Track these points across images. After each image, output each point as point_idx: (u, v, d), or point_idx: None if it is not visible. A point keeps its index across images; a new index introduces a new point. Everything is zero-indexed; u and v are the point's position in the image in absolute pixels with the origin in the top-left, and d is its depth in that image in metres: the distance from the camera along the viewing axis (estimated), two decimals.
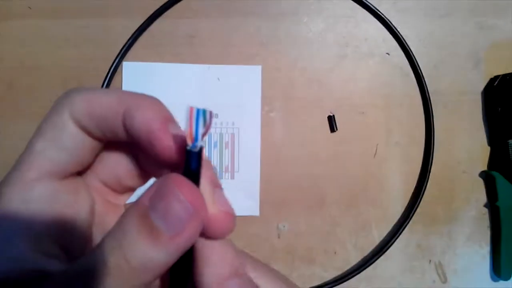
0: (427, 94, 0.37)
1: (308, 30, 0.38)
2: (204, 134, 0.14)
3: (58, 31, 0.37)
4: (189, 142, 0.14)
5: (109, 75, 0.37)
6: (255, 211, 0.37)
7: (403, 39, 0.37)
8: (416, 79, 0.38)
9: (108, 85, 0.37)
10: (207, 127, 0.14)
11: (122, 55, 0.37)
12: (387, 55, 0.38)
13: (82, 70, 0.37)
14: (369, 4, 0.37)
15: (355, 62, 0.38)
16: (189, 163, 0.14)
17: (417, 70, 0.38)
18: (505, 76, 0.37)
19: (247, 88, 0.38)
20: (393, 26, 0.38)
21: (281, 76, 0.38)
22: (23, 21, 0.37)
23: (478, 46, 0.39)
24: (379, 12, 0.38)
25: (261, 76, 0.38)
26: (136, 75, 0.37)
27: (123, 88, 0.37)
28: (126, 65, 0.37)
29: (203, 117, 0.14)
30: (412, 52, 0.38)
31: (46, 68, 0.37)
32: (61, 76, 0.37)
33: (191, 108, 0.14)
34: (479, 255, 0.38)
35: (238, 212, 0.36)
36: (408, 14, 0.38)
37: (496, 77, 0.38)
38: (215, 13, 0.37)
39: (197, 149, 0.14)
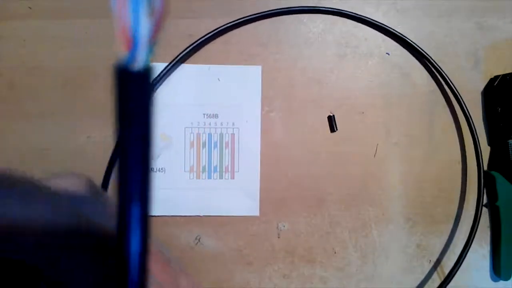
0: (458, 95, 0.37)
1: (308, 30, 0.38)
2: (154, 33, 0.07)
3: (59, 31, 0.37)
4: (125, 49, 0.08)
5: (161, 75, 0.36)
6: (255, 211, 0.37)
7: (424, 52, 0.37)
8: (444, 81, 0.37)
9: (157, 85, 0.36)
10: (157, 15, 0.07)
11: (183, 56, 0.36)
12: (387, 55, 0.38)
13: (83, 70, 0.37)
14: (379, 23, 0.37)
15: (354, 62, 0.38)
16: (124, 98, 0.08)
17: (444, 76, 0.37)
18: (505, 76, 0.37)
19: (247, 88, 0.38)
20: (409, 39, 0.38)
21: (281, 76, 0.38)
22: (24, 21, 0.37)
23: (478, 46, 0.39)
24: (398, 33, 0.37)
25: (261, 76, 0.38)
26: None
27: None
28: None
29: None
30: (439, 67, 0.37)
31: (47, 68, 0.37)
32: (62, 77, 0.37)
33: None
34: (479, 255, 0.38)
35: (238, 212, 0.37)
36: (408, 14, 0.38)
37: (496, 77, 0.38)
38: (215, 13, 0.37)
39: (138, 67, 0.07)
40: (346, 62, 0.38)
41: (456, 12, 0.39)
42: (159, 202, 0.36)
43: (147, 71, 0.08)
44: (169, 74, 0.37)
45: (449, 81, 0.37)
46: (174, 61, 0.36)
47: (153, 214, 0.37)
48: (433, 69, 0.38)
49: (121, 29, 0.07)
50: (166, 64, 0.37)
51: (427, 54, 0.37)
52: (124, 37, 0.07)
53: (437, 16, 0.39)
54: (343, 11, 0.37)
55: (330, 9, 0.37)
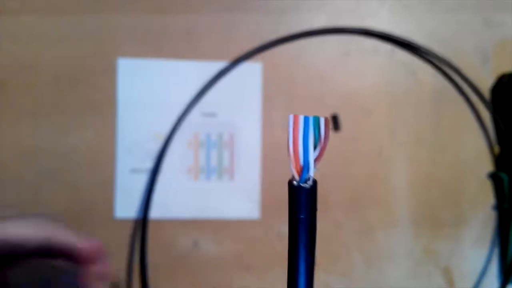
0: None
1: (310, 26, 0.37)
2: (318, 158, 0.10)
3: (51, 28, 0.36)
4: (296, 175, 0.10)
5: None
6: (255, 214, 0.36)
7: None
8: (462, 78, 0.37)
9: None
10: (322, 145, 0.10)
11: None
12: (392, 51, 0.38)
13: (75, 67, 0.36)
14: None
15: (359, 59, 0.38)
16: (297, 203, 0.11)
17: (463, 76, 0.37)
18: None
19: (247, 86, 0.37)
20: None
21: (282, 74, 0.37)
22: (16, 17, 0.36)
23: (485, 42, 0.38)
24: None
25: (262, 73, 0.37)
26: (132, 72, 0.36)
27: (119, 86, 0.36)
28: (121, 62, 0.36)
29: (315, 130, 0.10)
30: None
31: (39, 65, 0.36)
32: (54, 74, 0.36)
33: (295, 118, 0.10)
34: (487, 258, 0.37)
35: (238, 214, 0.36)
36: (414, 9, 0.38)
37: (505, 75, 0.37)
38: (214, 8, 0.37)
39: (308, 185, 0.11)
40: (350, 58, 0.38)
41: (463, 8, 0.38)
42: (155, 205, 0.36)
43: (313, 188, 0.11)
44: (165, 71, 0.37)
45: (467, 78, 0.36)
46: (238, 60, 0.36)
47: (149, 217, 0.37)
48: (445, 69, 0.37)
49: (295, 159, 0.10)
50: (162, 60, 0.36)
51: (441, 58, 0.37)
52: (297, 165, 0.10)
53: (444, 12, 0.38)
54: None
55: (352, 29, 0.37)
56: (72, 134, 0.36)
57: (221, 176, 0.37)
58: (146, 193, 0.35)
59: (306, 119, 0.10)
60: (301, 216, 0.11)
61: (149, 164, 0.36)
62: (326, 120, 0.10)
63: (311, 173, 0.10)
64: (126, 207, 0.36)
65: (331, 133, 0.38)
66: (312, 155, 0.10)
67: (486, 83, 0.38)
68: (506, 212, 0.37)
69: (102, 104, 0.36)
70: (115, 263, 0.36)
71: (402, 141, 0.38)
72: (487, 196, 0.38)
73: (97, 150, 0.36)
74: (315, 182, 0.11)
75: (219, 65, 0.36)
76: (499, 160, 0.38)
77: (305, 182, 0.11)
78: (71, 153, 0.36)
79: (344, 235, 0.37)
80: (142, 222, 0.35)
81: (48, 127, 0.36)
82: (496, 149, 0.38)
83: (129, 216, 0.36)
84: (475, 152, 0.38)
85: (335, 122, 0.37)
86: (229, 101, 0.37)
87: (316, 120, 0.10)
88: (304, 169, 0.10)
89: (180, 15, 0.37)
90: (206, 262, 0.36)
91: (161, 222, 0.36)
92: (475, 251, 0.38)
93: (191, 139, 0.37)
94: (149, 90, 0.36)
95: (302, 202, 0.11)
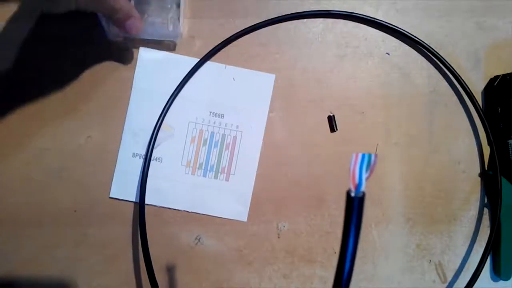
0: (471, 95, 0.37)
1: (308, 30, 0.38)
2: (367, 178, 0.16)
3: (60, 32, 0.36)
4: (353, 189, 0.16)
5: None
6: (243, 217, 0.37)
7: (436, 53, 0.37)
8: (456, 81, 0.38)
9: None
10: (371, 170, 0.16)
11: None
12: (387, 55, 0.38)
13: (83, 70, 0.36)
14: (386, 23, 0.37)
15: (355, 62, 0.38)
16: (351, 207, 0.16)
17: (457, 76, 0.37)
18: (505, 76, 0.37)
19: (257, 94, 0.37)
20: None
21: (280, 77, 0.38)
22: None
23: (478, 46, 0.39)
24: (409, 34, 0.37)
25: (274, 85, 0.37)
26: (151, 62, 0.37)
27: (136, 74, 0.37)
28: (142, 51, 0.37)
29: (367, 162, 0.16)
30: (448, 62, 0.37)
31: (47, 68, 0.36)
32: (62, 76, 0.37)
33: (356, 156, 0.16)
34: (479, 255, 0.38)
35: (226, 214, 0.37)
36: (408, 14, 0.38)
37: (496, 77, 0.38)
38: (215, 13, 0.37)
39: (359, 195, 0.16)
40: (346, 62, 0.38)
41: (456, 12, 0.39)
42: (150, 191, 0.36)
43: (362, 198, 0.16)
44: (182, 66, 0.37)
45: (459, 77, 0.37)
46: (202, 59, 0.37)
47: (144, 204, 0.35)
48: (438, 62, 0.38)
49: (352, 179, 0.15)
50: (183, 56, 0.37)
51: (434, 50, 0.37)
52: (354, 183, 0.15)
53: (437, 16, 0.39)
54: (347, 13, 0.38)
55: (335, 12, 0.38)
56: (79, 134, 0.36)
57: (217, 175, 0.37)
58: (140, 180, 0.35)
59: (363, 155, 0.15)
60: (355, 212, 0.16)
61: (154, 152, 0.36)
62: (375, 155, 0.15)
63: (362, 188, 0.15)
64: (122, 189, 0.36)
65: (328, 134, 0.39)
66: (364, 176, 0.15)
67: (478, 85, 0.39)
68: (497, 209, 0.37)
69: (108, 106, 0.36)
70: (120, 256, 0.37)
71: (396, 141, 0.38)
72: (479, 194, 0.39)
73: (103, 151, 0.36)
74: (364, 193, 0.16)
75: (235, 69, 0.37)
76: (490, 160, 0.39)
77: (358, 193, 0.16)
78: (78, 153, 0.36)
79: (340, 232, 0.37)
80: (138, 211, 0.35)
81: (55, 128, 0.36)
82: (487, 149, 0.39)
83: (123, 198, 0.36)
84: (467, 152, 0.39)
85: (331, 123, 0.38)
86: (239, 105, 0.37)
87: (369, 155, 0.15)
88: (358, 185, 0.15)
89: (184, 20, 0.37)
90: (208, 257, 0.37)
91: (165, 218, 0.36)
92: (467, 247, 0.39)
93: (196, 135, 0.37)
94: (167, 82, 0.37)
95: (355, 203, 0.16)
